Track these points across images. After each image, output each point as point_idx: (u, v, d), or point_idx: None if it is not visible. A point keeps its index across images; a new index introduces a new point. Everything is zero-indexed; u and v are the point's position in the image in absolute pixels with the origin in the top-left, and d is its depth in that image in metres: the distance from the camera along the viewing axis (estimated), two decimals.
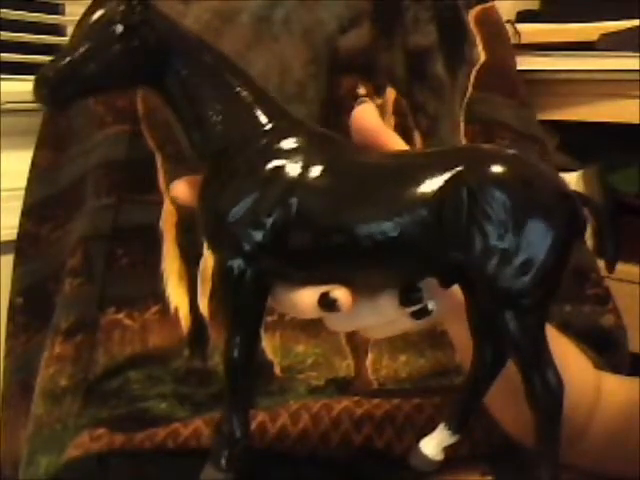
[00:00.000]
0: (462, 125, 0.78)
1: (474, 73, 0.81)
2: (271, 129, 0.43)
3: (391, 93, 0.77)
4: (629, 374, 0.70)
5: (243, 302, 0.42)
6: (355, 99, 0.76)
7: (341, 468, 0.65)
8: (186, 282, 0.72)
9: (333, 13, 0.75)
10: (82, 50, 0.40)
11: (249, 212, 0.41)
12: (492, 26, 0.87)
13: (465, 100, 0.80)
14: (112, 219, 0.74)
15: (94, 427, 0.69)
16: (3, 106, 1.22)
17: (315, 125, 0.45)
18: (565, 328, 0.69)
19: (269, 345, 0.69)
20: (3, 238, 1.10)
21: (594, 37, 1.22)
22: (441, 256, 0.41)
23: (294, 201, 0.41)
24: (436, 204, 0.40)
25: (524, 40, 1.26)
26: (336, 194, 0.41)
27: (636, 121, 1.16)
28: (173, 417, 0.68)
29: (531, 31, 1.29)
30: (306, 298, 0.42)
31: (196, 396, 0.69)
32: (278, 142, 0.42)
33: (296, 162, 0.42)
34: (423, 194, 0.41)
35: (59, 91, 0.40)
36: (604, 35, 1.21)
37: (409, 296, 0.43)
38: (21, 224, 0.82)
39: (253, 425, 0.65)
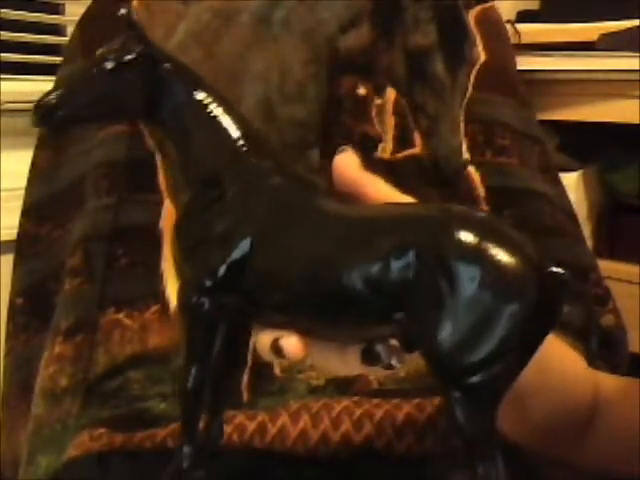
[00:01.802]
0: (462, 125, 0.78)
1: (474, 73, 0.81)
2: (253, 167, 0.43)
3: (391, 93, 0.77)
4: (629, 374, 0.70)
5: (200, 335, 0.43)
6: (355, 99, 0.77)
7: (341, 468, 0.65)
8: None
9: (333, 13, 0.75)
10: (74, 83, 0.43)
11: (212, 248, 0.42)
12: (492, 26, 0.87)
13: (465, 100, 0.80)
14: (112, 219, 0.74)
15: (94, 427, 0.69)
16: (3, 106, 1.22)
17: (296, 169, 0.45)
18: (564, 328, 0.69)
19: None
20: (3, 238, 1.10)
21: (594, 37, 1.22)
22: (387, 317, 0.39)
23: (255, 243, 0.42)
24: (384, 263, 0.39)
25: (524, 40, 1.27)
26: (296, 243, 0.41)
27: (636, 121, 1.16)
28: (173, 417, 0.68)
29: (531, 31, 1.29)
30: (262, 340, 0.43)
31: None
32: (256, 182, 0.43)
33: (266, 204, 0.42)
34: (374, 252, 0.39)
35: (52, 118, 0.43)
36: (604, 35, 1.21)
37: (369, 355, 0.42)
38: (21, 224, 0.82)
39: (253, 425, 0.65)
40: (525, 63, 1.07)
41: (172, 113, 0.44)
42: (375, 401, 0.68)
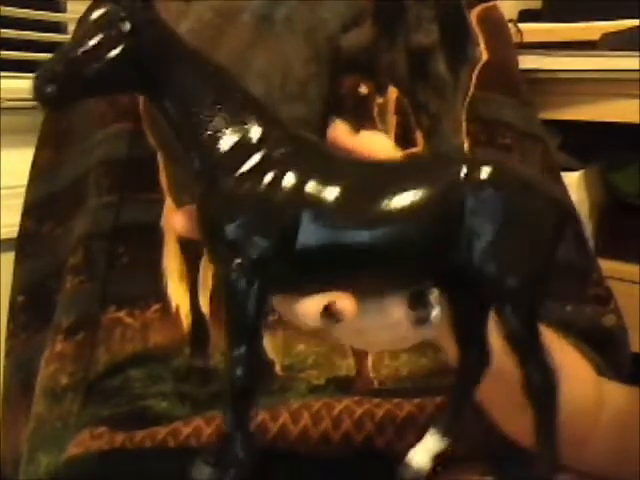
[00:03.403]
0: (464, 124, 0.78)
1: (476, 72, 0.81)
2: (267, 140, 0.43)
3: (393, 92, 0.77)
4: (630, 374, 0.70)
5: (248, 315, 0.42)
6: (357, 98, 0.76)
7: (342, 467, 0.65)
8: (187, 281, 0.72)
9: (335, 12, 0.75)
10: (83, 49, 0.39)
11: (250, 225, 0.41)
12: (494, 25, 0.87)
13: (467, 99, 0.80)
14: (113, 217, 0.74)
15: (95, 425, 0.69)
16: (4, 104, 1.22)
17: (310, 135, 0.46)
18: (566, 328, 0.69)
19: (270, 344, 0.69)
20: (4, 236, 1.10)
21: (596, 36, 1.22)
22: (442, 258, 0.42)
23: (294, 211, 0.41)
24: (436, 207, 0.42)
25: (526, 39, 1.26)
26: (339, 200, 0.42)
27: (638, 120, 1.16)
28: (174, 416, 0.68)
29: (533, 30, 1.29)
30: (310, 309, 0.43)
31: (197, 395, 0.69)
32: (275, 152, 0.42)
33: (295, 171, 0.42)
34: (423, 197, 0.42)
35: (58, 91, 0.39)
36: (606, 35, 1.21)
37: (418, 299, 0.44)
38: (22, 222, 0.82)
39: (253, 424, 0.65)
40: (527, 62, 1.07)
41: (176, 85, 0.42)
42: (376, 401, 0.68)
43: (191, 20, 0.75)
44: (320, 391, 0.69)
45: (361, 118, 0.76)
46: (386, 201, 0.42)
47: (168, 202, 0.73)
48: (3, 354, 0.82)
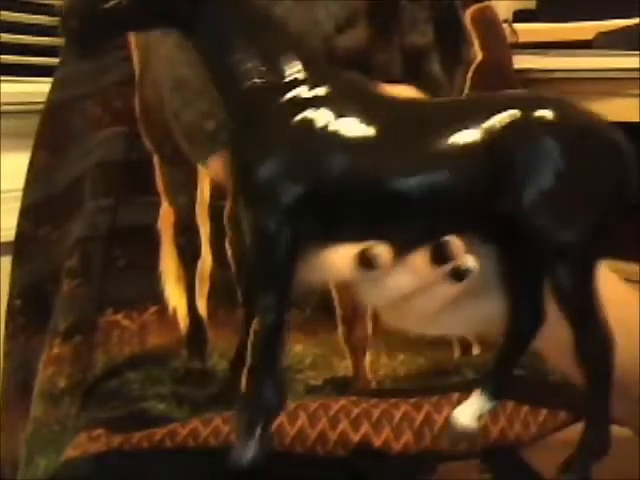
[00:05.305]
0: None
1: (471, 72, 0.82)
2: (303, 78, 0.40)
3: None
4: None
5: (279, 261, 0.39)
6: None
7: (339, 467, 0.65)
8: (184, 283, 0.72)
9: (330, 13, 0.75)
10: None
11: (284, 166, 0.39)
12: (489, 25, 0.87)
13: None
14: (110, 220, 0.74)
15: (92, 428, 0.69)
16: (3, 108, 1.22)
17: (350, 73, 0.43)
18: None
19: None
20: (3, 239, 1.10)
21: (591, 36, 1.22)
22: (489, 207, 0.39)
23: (331, 152, 0.39)
24: (486, 151, 0.38)
25: (521, 39, 1.27)
26: (376, 143, 0.39)
27: (634, 119, 1.16)
28: (171, 418, 0.68)
29: (528, 30, 1.29)
30: (343, 257, 0.40)
31: (195, 397, 0.69)
32: (310, 91, 0.40)
33: (330, 112, 0.39)
34: (472, 140, 0.39)
35: (89, 27, 0.37)
36: (601, 34, 1.21)
37: (440, 252, 0.40)
38: (19, 225, 0.82)
39: None
40: (522, 62, 1.07)
41: (211, 20, 0.40)
42: (373, 400, 0.68)
43: None
44: (317, 392, 0.69)
45: None
46: (430, 144, 0.39)
47: (164, 205, 0.73)
48: (2, 356, 0.82)
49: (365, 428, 0.66)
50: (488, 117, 0.39)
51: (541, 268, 0.40)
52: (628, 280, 1.18)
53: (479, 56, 0.83)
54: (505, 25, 1.08)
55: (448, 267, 0.40)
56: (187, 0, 0.39)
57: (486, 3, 0.87)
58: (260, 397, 0.41)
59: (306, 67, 0.41)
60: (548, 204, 0.38)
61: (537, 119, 0.39)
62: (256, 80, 0.40)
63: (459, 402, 0.66)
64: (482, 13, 0.86)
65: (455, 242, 0.40)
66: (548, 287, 0.40)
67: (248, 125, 0.40)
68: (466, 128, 0.39)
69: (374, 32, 0.76)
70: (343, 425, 0.66)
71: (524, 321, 0.43)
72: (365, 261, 0.40)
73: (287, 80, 0.40)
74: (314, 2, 0.74)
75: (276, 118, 0.40)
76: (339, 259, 0.40)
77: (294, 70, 0.40)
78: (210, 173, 0.44)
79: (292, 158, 0.39)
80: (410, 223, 0.40)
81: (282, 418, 0.66)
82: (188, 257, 0.72)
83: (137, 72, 0.74)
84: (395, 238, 0.40)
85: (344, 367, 0.70)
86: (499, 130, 0.38)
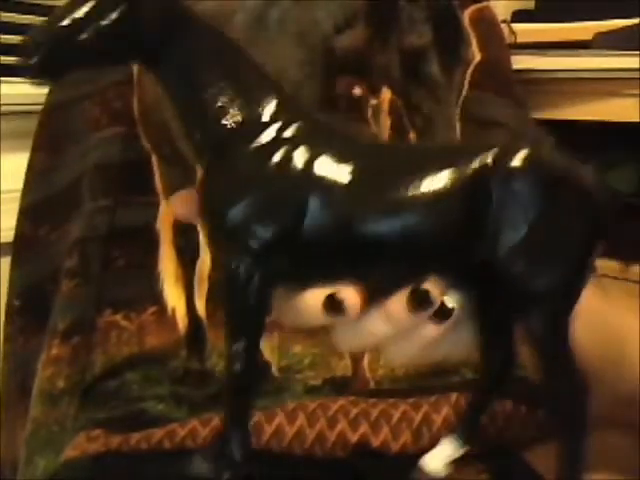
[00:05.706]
0: (458, 125, 0.78)
1: (469, 73, 0.82)
2: (276, 119, 0.39)
3: (386, 93, 0.77)
4: None
5: (249, 307, 0.39)
6: (351, 99, 0.77)
7: (337, 467, 0.65)
8: (183, 283, 0.72)
9: (328, 13, 0.75)
10: (80, 13, 0.35)
11: (256, 209, 0.38)
12: (487, 25, 0.87)
13: (460, 99, 0.80)
14: (108, 221, 0.74)
15: (91, 428, 0.69)
16: (2, 108, 1.22)
17: (321, 117, 0.42)
18: None
19: (267, 345, 0.69)
20: (2, 240, 1.10)
21: (589, 36, 1.22)
22: (461, 253, 0.38)
23: (304, 194, 0.38)
24: (459, 197, 0.38)
25: (520, 40, 1.27)
26: (349, 185, 0.38)
27: (633, 119, 1.16)
28: (170, 418, 0.68)
29: (526, 30, 1.29)
30: (311, 301, 0.40)
31: (193, 397, 0.69)
32: (286, 131, 0.39)
33: (305, 153, 0.38)
34: (444, 186, 0.38)
35: (52, 60, 0.36)
36: (600, 34, 1.21)
37: (418, 298, 0.39)
38: (18, 226, 0.82)
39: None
40: (521, 62, 1.07)
41: (178, 56, 0.38)
42: (371, 401, 0.68)
43: None
44: (316, 392, 0.69)
45: (355, 119, 0.76)
46: (404, 187, 0.38)
47: (163, 205, 0.73)
48: (1, 357, 0.83)
49: (364, 428, 0.66)
50: (463, 164, 0.38)
51: (513, 313, 0.40)
52: (628, 280, 1.19)
53: (477, 56, 0.83)
54: (504, 25, 1.08)
55: (429, 312, 0.40)
56: (158, 33, 0.38)
57: (484, 3, 0.87)
58: (226, 450, 0.40)
59: (281, 107, 0.40)
60: (519, 252, 0.38)
61: (510, 167, 0.38)
62: (230, 118, 0.39)
63: (458, 402, 0.66)
64: (480, 13, 0.86)
65: (434, 287, 0.39)
66: (521, 331, 0.40)
67: (218, 165, 0.39)
68: (439, 174, 0.38)
69: (373, 32, 0.76)
70: (342, 425, 0.66)
71: (495, 365, 0.43)
72: (333, 306, 0.39)
73: (262, 119, 0.39)
74: (313, 2, 0.74)
75: (249, 159, 0.39)
76: (311, 303, 0.40)
77: (268, 109, 0.39)
78: (173, 211, 0.43)
79: (264, 200, 0.38)
80: (383, 267, 0.39)
81: (281, 419, 0.66)
82: (187, 257, 0.72)
83: (135, 72, 0.74)
84: (369, 282, 0.39)
85: (343, 367, 0.70)
86: (472, 177, 0.38)
